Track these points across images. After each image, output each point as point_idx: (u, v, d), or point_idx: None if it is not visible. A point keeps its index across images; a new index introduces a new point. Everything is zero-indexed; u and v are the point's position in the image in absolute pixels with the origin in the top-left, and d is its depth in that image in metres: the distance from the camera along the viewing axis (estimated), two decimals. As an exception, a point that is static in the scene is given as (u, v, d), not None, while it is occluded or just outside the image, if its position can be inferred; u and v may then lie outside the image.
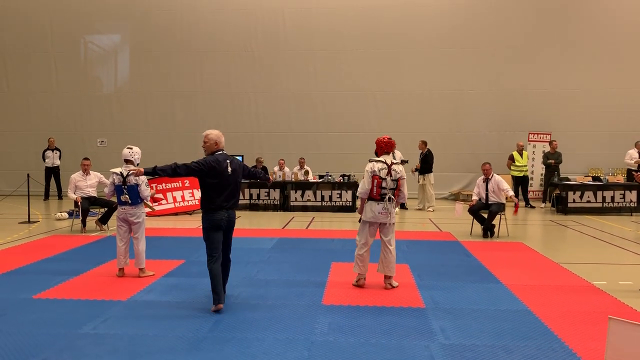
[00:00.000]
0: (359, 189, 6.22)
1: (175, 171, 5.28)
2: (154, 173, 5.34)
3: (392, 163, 6.07)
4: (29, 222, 11.04)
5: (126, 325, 4.90)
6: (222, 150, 5.53)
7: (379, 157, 6.17)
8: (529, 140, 15.65)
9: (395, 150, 13.30)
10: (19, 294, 5.81)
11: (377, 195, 6.03)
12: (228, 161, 5.44)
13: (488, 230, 9.64)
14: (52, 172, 15.64)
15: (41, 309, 5.35)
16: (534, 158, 15.65)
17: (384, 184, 6.01)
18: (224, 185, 5.38)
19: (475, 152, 15.57)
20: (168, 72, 16.82)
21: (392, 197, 6.06)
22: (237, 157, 6.12)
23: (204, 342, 4.46)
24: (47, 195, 15.59)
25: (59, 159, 15.71)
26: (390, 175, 6.03)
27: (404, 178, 6.15)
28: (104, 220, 10.12)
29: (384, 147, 6.18)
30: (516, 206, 9.63)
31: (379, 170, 6.02)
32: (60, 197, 15.74)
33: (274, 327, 4.83)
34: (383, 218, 6.06)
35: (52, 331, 4.70)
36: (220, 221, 5.37)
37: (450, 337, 4.61)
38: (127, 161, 6.76)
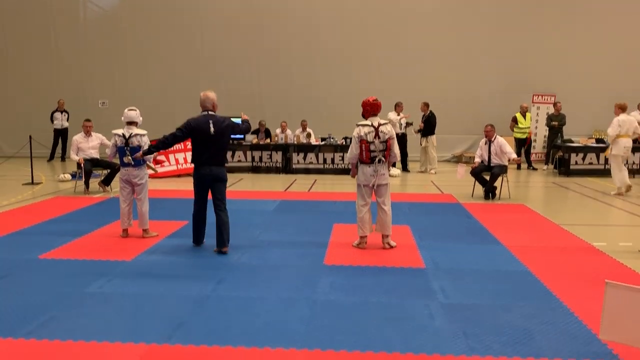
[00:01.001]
0: (347, 155, 6.23)
1: (164, 144, 6.10)
2: (149, 152, 6.35)
3: (380, 124, 6.04)
4: (32, 183, 11.10)
5: (131, 284, 4.98)
6: (208, 110, 5.99)
7: (366, 119, 6.13)
8: (532, 102, 15.51)
9: (400, 113, 13.38)
10: (25, 254, 5.89)
11: (367, 159, 6.04)
12: (211, 122, 5.89)
13: (490, 192, 9.67)
14: (60, 134, 15.66)
15: (47, 268, 5.43)
16: (538, 120, 15.55)
17: (372, 147, 6.01)
18: (208, 144, 5.89)
19: (478, 114, 15.45)
20: (168, 32, 16.58)
21: (383, 158, 6.06)
22: (235, 119, 6.29)
23: (208, 301, 4.54)
24: (52, 157, 15.63)
25: (67, 120, 15.70)
26: (379, 138, 6.01)
27: (394, 138, 6.12)
28: (106, 181, 10.15)
29: (370, 109, 6.11)
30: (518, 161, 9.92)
31: (366, 135, 6.00)
32: (63, 158, 15.78)
33: (276, 287, 4.90)
34: (374, 180, 6.09)
35: (58, 290, 4.78)
36: (203, 176, 5.96)
37: (449, 296, 4.68)
38: (131, 123, 6.74)
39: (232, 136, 6.79)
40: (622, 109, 10.18)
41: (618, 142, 10.04)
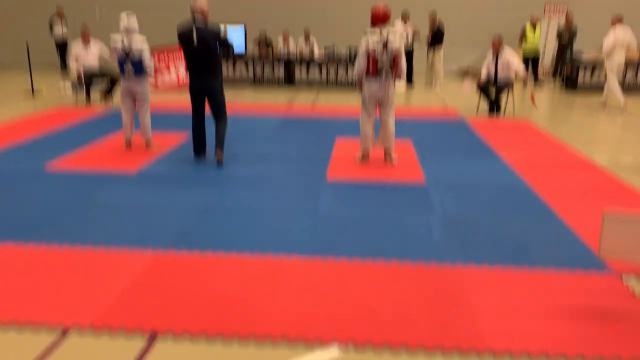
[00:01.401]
0: (354, 69, 6.09)
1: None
2: None
3: (388, 34, 5.85)
4: (32, 93, 10.99)
5: (137, 195, 5.07)
6: (195, 18, 5.81)
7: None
8: (544, 13, 14.94)
9: (407, 22, 12.95)
10: (30, 165, 5.95)
11: (373, 72, 5.92)
12: (195, 30, 5.74)
13: (495, 106, 9.56)
14: (61, 45, 15.30)
15: (53, 178, 5.51)
16: (548, 32, 15.04)
17: (379, 62, 5.86)
18: (192, 54, 5.83)
19: (487, 25, 14.94)
20: None
21: (389, 72, 5.93)
22: (233, 26, 6.08)
23: (212, 212, 4.64)
24: (64, 67, 15.46)
25: (66, 27, 15.28)
26: (386, 49, 5.84)
27: (401, 52, 5.94)
28: (108, 92, 10.05)
29: (381, 18, 5.87)
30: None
31: (374, 47, 5.80)
32: (63, 67, 15.54)
33: (279, 199, 4.99)
34: (380, 94, 6.00)
35: (65, 200, 4.88)
36: (194, 87, 5.95)
37: (449, 210, 4.76)
38: (130, 31, 6.51)
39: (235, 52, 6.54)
40: (618, 21, 10.17)
41: (613, 55, 10.12)
